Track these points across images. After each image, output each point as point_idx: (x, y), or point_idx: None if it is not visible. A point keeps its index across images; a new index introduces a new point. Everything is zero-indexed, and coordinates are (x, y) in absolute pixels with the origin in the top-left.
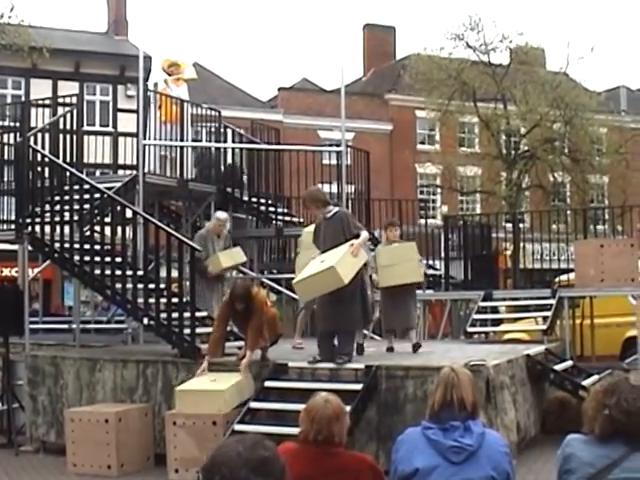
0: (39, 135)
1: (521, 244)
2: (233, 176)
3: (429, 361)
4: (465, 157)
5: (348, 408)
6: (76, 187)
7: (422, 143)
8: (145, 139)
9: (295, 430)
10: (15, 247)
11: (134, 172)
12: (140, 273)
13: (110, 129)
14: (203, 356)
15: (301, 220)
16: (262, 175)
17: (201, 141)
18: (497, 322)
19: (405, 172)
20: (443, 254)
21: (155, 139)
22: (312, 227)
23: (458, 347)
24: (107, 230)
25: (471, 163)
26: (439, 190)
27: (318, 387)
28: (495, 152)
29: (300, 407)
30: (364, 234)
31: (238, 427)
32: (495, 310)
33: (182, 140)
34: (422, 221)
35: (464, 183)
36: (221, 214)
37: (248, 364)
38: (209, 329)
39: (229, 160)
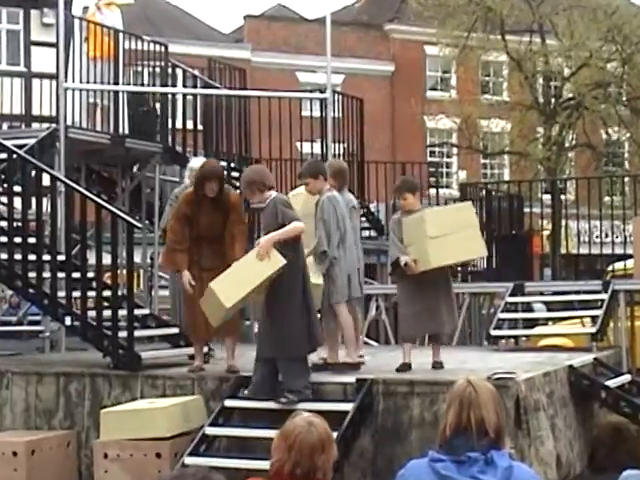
0: None
1: (563, 222)
2: (149, 123)
3: (440, 373)
4: (489, 107)
5: (335, 434)
6: None
7: (433, 89)
8: (67, 81)
9: (264, 464)
10: None
11: (53, 125)
12: (61, 258)
13: (21, 68)
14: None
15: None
16: (223, 130)
17: (142, 85)
18: (530, 323)
19: (411, 127)
20: None
21: (81, 81)
22: (298, 190)
23: (479, 355)
24: (17, 202)
25: (497, 115)
26: (455, 151)
27: (296, 407)
28: (529, 101)
29: (271, 433)
30: (289, 226)
31: (190, 460)
32: (528, 308)
33: (117, 83)
34: (432, 191)
35: (488, 141)
36: (196, 161)
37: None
38: (152, 332)
39: (179, 108)
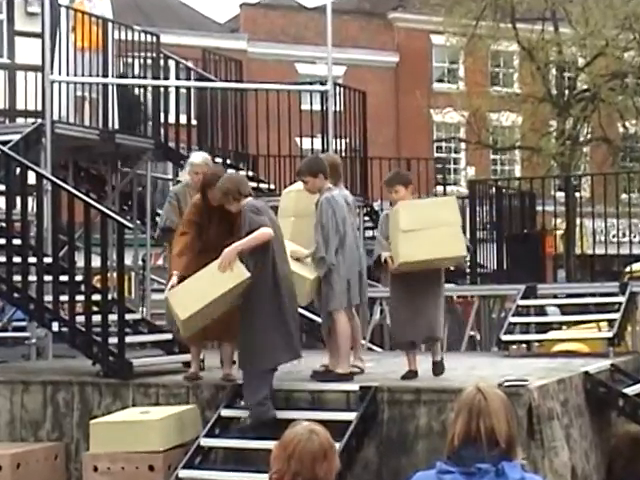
0: None
1: (577, 220)
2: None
3: (449, 380)
4: (499, 100)
5: (337, 445)
6: None
7: (440, 81)
8: (53, 74)
9: (263, 477)
10: None
11: (39, 120)
12: (48, 260)
13: (4, 60)
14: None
15: (271, 187)
16: (218, 125)
17: (133, 77)
18: (543, 328)
19: (416, 121)
20: (469, 234)
21: (68, 74)
22: (292, 187)
23: (489, 361)
24: (0, 201)
25: (508, 108)
26: (463, 146)
27: (294, 417)
28: (541, 92)
29: (270, 444)
30: (254, 234)
31: (184, 473)
32: (541, 311)
33: (106, 76)
34: (439, 188)
35: (498, 136)
36: (196, 156)
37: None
38: (144, 337)
39: (172, 102)
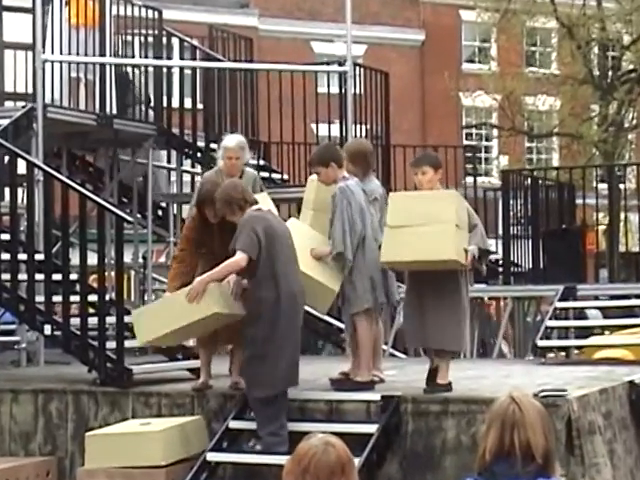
0: None
1: (621, 214)
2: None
3: (479, 390)
4: (536, 82)
5: (357, 460)
6: None
7: (470, 61)
8: (45, 53)
9: None
10: None
11: (29, 104)
12: (39, 257)
13: None
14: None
15: (285, 177)
16: (226, 109)
17: (132, 57)
18: (584, 332)
19: (444, 105)
20: (501, 229)
21: (61, 53)
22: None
23: (524, 369)
24: None
25: (545, 91)
26: (495, 132)
27: (309, 429)
28: (582, 74)
29: (282, 459)
30: (225, 264)
31: None
32: (581, 314)
33: (103, 55)
34: (469, 179)
35: (534, 121)
36: (230, 139)
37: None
38: None
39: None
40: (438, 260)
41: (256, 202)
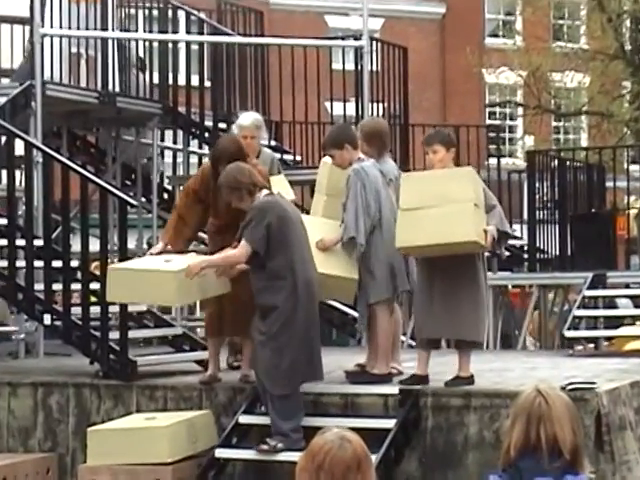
0: None
1: None
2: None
3: (504, 383)
4: (563, 57)
5: (374, 457)
6: None
7: (494, 35)
8: (44, 27)
9: None
10: None
11: (27, 81)
12: (38, 243)
13: None
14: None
15: (297, 158)
16: (235, 87)
17: (136, 31)
18: (614, 323)
19: (466, 82)
20: (527, 214)
21: (61, 27)
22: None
23: (550, 362)
24: None
25: (573, 67)
26: (520, 111)
27: (324, 424)
28: (613, 48)
29: (294, 456)
30: (225, 255)
31: None
32: (611, 303)
33: (105, 29)
34: (492, 161)
35: (561, 99)
36: (245, 117)
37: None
38: (150, 332)
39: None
40: (457, 242)
41: (267, 186)
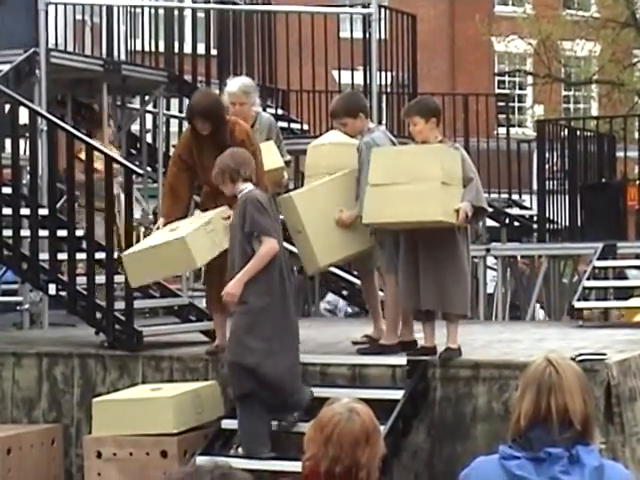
0: None
1: None
2: None
3: (513, 354)
4: (574, 25)
5: (382, 428)
6: None
7: (503, 4)
8: None
9: (296, 464)
10: None
11: (31, 49)
12: (43, 212)
13: None
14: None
15: (305, 127)
16: (242, 55)
17: None
18: (624, 294)
19: (475, 51)
20: (536, 184)
21: None
22: (323, 139)
23: (560, 332)
24: None
25: (584, 35)
26: (530, 80)
27: (331, 395)
28: (624, 16)
29: (303, 426)
30: (259, 255)
31: (203, 460)
32: (621, 274)
33: None
34: (502, 130)
35: (572, 68)
36: (232, 84)
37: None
38: (156, 302)
39: (188, 28)
40: (423, 221)
41: (251, 179)
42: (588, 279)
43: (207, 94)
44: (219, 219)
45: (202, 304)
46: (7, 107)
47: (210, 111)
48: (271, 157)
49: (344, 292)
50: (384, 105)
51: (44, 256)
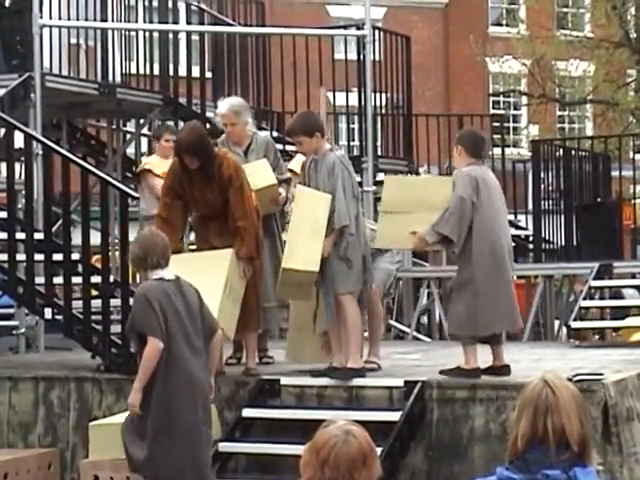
0: None
1: None
2: None
3: (509, 374)
4: (568, 46)
5: (379, 450)
6: None
7: (497, 24)
8: (43, 17)
9: None
10: None
11: (27, 72)
12: (39, 236)
13: None
14: None
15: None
16: (237, 77)
17: (136, 21)
18: (620, 313)
19: (469, 71)
20: (532, 204)
21: (60, 18)
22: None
23: (556, 352)
24: None
25: (578, 55)
26: (525, 100)
27: (328, 417)
28: (618, 36)
29: (299, 449)
30: (142, 364)
31: None
32: (617, 294)
33: (105, 20)
34: (497, 150)
35: (566, 88)
36: (222, 105)
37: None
38: None
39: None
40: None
41: (160, 266)
42: (584, 299)
43: (193, 130)
44: (233, 273)
45: None
46: (2, 131)
47: (196, 147)
48: (263, 175)
49: None
50: (379, 126)
51: (40, 280)
